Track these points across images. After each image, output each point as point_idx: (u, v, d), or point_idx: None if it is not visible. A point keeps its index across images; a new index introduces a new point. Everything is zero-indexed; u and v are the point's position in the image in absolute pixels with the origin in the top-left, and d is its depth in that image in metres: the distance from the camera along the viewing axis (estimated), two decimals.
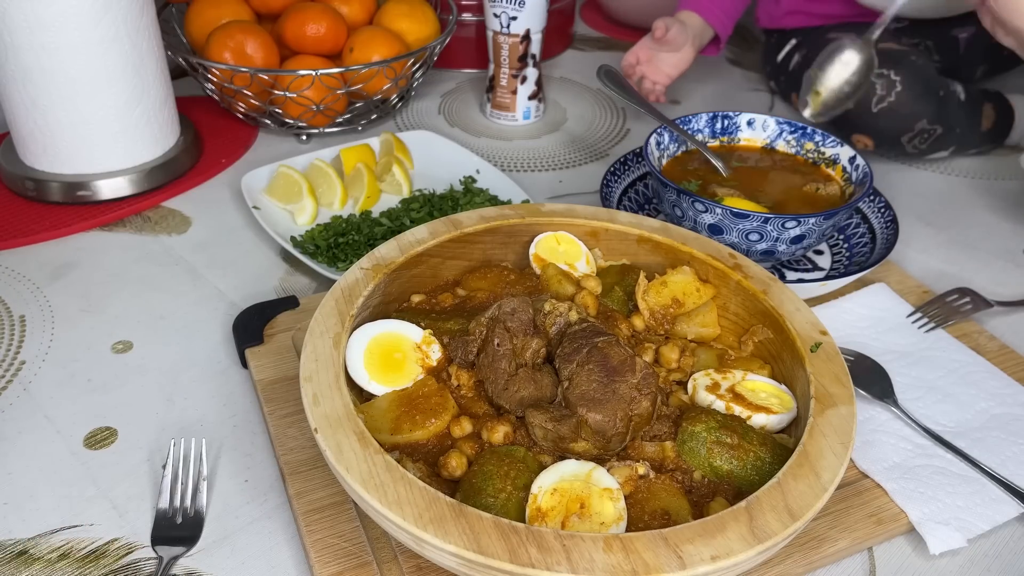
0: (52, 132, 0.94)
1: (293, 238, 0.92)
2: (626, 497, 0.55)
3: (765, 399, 0.63)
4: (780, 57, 1.27)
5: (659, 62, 1.18)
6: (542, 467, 0.56)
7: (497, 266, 0.75)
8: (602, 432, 0.56)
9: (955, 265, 0.96)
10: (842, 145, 0.90)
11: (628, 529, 0.53)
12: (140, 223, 0.98)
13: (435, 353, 0.64)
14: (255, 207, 0.96)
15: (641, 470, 0.57)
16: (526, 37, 1.15)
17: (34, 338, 0.81)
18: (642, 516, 0.54)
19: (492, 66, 1.20)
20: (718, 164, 0.90)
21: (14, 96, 0.93)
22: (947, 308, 0.85)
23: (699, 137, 0.94)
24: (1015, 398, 0.75)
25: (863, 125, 1.09)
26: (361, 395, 0.62)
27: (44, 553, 0.62)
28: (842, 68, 0.98)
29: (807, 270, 0.89)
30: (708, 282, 0.72)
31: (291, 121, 1.12)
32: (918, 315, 0.84)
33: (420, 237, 0.71)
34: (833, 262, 0.90)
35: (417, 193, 1.01)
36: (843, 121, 1.10)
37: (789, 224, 0.79)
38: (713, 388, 0.63)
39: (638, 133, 1.23)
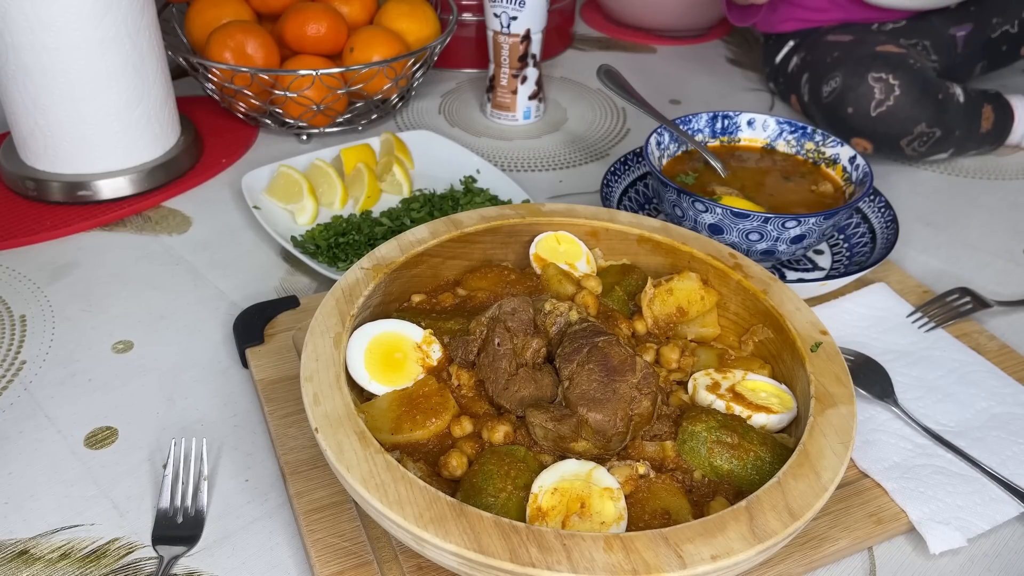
0: (53, 132, 0.94)
1: (293, 238, 0.92)
2: (626, 497, 0.55)
3: (765, 399, 0.63)
4: (779, 59, 1.27)
5: None
6: (542, 467, 0.56)
7: (497, 266, 0.75)
8: (602, 432, 0.56)
9: (955, 265, 0.96)
10: (842, 145, 0.90)
11: (628, 528, 0.53)
12: (140, 223, 0.98)
13: (435, 353, 0.64)
14: (255, 207, 0.96)
15: (641, 470, 0.57)
16: (526, 37, 1.15)
17: (35, 338, 0.81)
18: (642, 516, 0.54)
19: (492, 66, 1.20)
20: (716, 164, 0.90)
21: (15, 96, 0.93)
22: (947, 308, 0.85)
23: (699, 137, 0.94)
24: (1015, 397, 0.75)
25: (861, 129, 1.09)
26: (362, 395, 0.62)
27: (45, 553, 0.62)
28: None
29: (807, 270, 0.89)
30: (710, 285, 0.72)
31: (291, 121, 1.12)
32: (918, 315, 0.84)
33: (420, 237, 0.71)
34: (833, 262, 0.91)
35: (417, 193, 1.01)
36: (841, 125, 1.10)
37: (789, 224, 0.79)
38: (713, 388, 0.63)
39: (638, 133, 1.23)
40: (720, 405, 0.62)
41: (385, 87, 1.11)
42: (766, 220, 0.79)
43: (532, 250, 0.75)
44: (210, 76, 1.07)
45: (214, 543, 0.63)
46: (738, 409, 0.61)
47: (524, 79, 1.19)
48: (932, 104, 1.06)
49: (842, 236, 0.93)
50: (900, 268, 0.93)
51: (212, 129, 1.15)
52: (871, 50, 1.10)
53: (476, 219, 0.74)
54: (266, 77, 1.07)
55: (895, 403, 0.73)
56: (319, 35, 1.10)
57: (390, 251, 0.69)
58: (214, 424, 0.73)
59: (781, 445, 0.59)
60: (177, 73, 1.21)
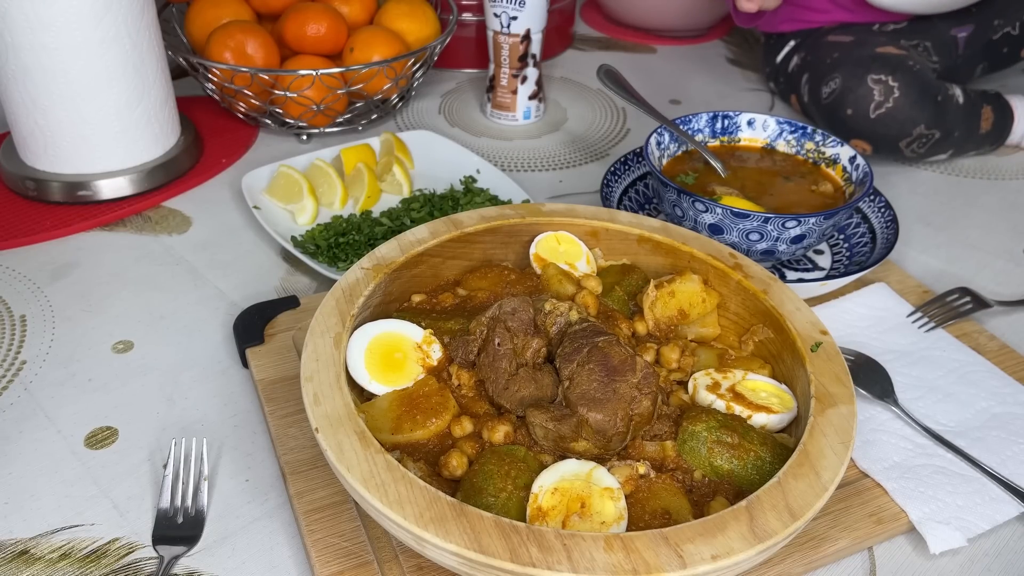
0: (53, 132, 0.94)
1: (294, 238, 0.92)
2: (627, 496, 0.55)
3: (765, 398, 0.63)
4: (779, 58, 1.27)
5: None
6: (543, 466, 0.56)
7: (498, 266, 0.75)
8: (603, 432, 0.56)
9: (955, 265, 0.96)
10: (842, 145, 0.90)
11: (629, 528, 0.53)
12: (141, 223, 0.98)
13: (436, 353, 0.64)
14: (255, 207, 0.96)
15: (642, 469, 0.57)
16: (526, 37, 1.15)
17: (35, 338, 0.81)
18: (643, 515, 0.54)
19: (492, 66, 1.20)
20: (716, 164, 0.90)
21: (15, 96, 0.93)
22: (947, 308, 0.85)
23: (699, 137, 0.94)
24: (1015, 397, 0.75)
25: (861, 130, 1.09)
26: (362, 395, 0.62)
27: (45, 553, 0.62)
28: None
29: (807, 270, 0.89)
30: (711, 286, 0.72)
31: (291, 121, 1.12)
32: (918, 315, 0.84)
33: (421, 237, 0.71)
34: (833, 262, 0.91)
35: (417, 193, 1.01)
36: (841, 126, 1.10)
37: (789, 224, 0.79)
38: (714, 388, 0.63)
39: (638, 133, 1.23)
40: (720, 405, 0.62)
41: (385, 87, 1.11)
42: (766, 220, 0.79)
43: (532, 250, 0.75)
44: (210, 76, 1.07)
45: (214, 543, 0.63)
46: (738, 409, 0.61)
47: (524, 79, 1.19)
48: (931, 106, 1.06)
49: (842, 236, 0.93)
50: (900, 268, 0.93)
51: (212, 129, 1.15)
52: (871, 51, 1.10)
53: (476, 219, 0.74)
54: (266, 77, 1.07)
55: (895, 403, 0.73)
56: (319, 35, 1.10)
57: (390, 251, 0.69)
58: (214, 424, 0.73)
59: (781, 445, 0.59)
60: (177, 73, 1.21)
